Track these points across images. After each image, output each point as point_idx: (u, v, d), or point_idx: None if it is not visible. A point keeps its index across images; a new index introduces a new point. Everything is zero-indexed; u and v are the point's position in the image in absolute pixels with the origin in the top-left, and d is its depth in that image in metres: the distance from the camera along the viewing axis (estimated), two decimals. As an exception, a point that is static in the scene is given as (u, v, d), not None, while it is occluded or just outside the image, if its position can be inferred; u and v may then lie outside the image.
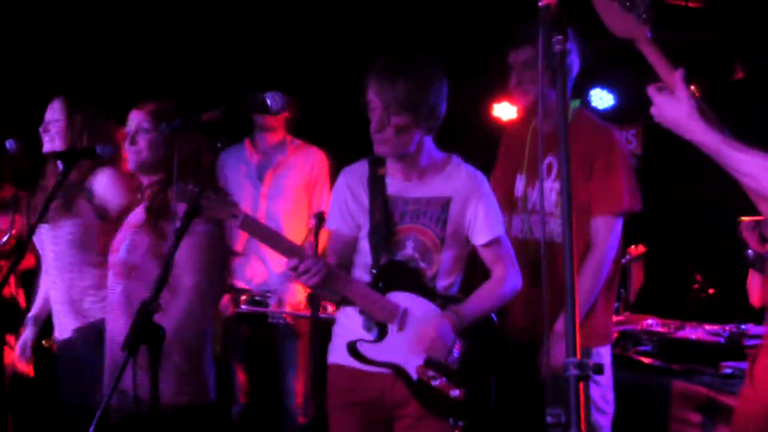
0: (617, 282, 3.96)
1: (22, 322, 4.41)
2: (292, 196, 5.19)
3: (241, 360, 5.23)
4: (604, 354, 3.85)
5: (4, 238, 4.87)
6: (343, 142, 3.52)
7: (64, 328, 3.98)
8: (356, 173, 3.43)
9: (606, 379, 3.83)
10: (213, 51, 6.56)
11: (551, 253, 3.50)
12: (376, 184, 3.36)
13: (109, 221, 3.87)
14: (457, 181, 3.36)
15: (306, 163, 5.25)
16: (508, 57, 3.84)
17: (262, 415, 5.45)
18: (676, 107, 2.35)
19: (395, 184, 3.36)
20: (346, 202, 3.40)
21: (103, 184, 3.92)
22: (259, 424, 5.43)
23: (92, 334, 3.80)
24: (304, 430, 5.21)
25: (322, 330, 3.92)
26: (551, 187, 3.78)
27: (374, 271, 3.30)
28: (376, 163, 3.40)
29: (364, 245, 3.36)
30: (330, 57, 6.45)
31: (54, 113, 4.03)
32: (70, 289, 3.95)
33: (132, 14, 6.26)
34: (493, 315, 3.38)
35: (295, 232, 5.05)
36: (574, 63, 3.74)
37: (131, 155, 3.56)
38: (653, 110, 2.41)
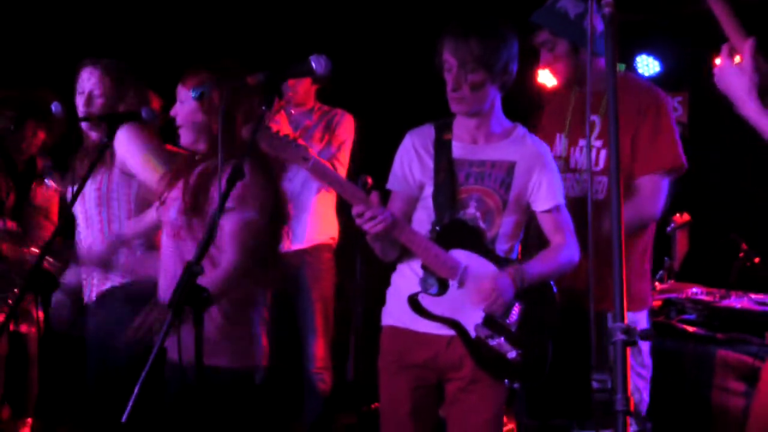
0: (651, 246, 3.89)
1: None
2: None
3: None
4: (639, 320, 3.78)
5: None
6: (376, 110, 3.50)
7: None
8: (423, 135, 3.46)
9: (644, 344, 3.79)
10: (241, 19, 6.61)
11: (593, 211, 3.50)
12: (441, 148, 3.40)
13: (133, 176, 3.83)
14: (522, 148, 3.39)
15: (329, 123, 5.29)
16: (530, 41, 3.85)
17: (288, 379, 5.41)
18: (737, 78, 2.31)
19: (461, 147, 3.39)
20: (410, 163, 3.42)
21: (121, 142, 3.80)
22: (284, 389, 5.35)
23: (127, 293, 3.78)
24: (325, 396, 5.22)
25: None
26: (593, 144, 3.77)
27: (437, 228, 3.33)
28: (442, 128, 3.44)
29: (428, 204, 3.38)
30: (366, 27, 6.43)
31: (90, 80, 3.94)
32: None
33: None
34: (552, 283, 3.38)
35: (322, 194, 5.17)
36: (597, 24, 3.69)
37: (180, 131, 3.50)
38: (716, 71, 2.37)
